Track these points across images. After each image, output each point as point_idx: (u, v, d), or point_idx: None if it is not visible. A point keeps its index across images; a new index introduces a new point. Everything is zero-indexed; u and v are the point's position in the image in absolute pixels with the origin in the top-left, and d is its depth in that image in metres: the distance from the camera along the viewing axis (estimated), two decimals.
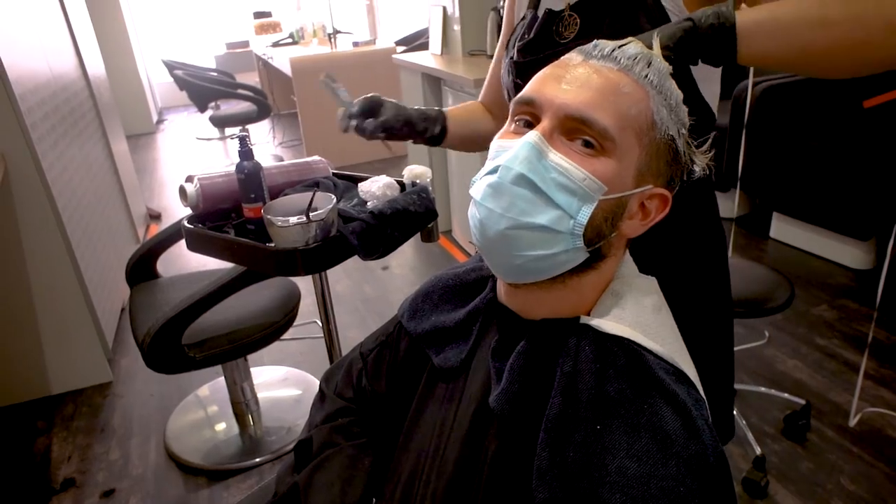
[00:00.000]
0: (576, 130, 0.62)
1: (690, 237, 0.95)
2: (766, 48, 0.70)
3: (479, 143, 1.17)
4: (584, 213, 0.61)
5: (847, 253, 2.81)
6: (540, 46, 0.92)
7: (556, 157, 0.61)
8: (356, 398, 0.89)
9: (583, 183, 0.60)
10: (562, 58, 0.68)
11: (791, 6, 0.70)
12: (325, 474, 0.80)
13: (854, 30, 0.67)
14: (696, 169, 0.69)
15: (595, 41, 0.67)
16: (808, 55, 0.70)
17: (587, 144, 0.61)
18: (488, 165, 0.65)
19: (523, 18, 0.99)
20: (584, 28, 0.89)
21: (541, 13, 0.94)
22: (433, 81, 3.21)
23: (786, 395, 1.97)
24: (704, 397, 0.66)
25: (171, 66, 5.65)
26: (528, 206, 0.61)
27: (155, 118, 7.05)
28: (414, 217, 1.38)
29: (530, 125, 0.65)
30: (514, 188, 0.61)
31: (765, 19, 0.70)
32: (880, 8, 0.66)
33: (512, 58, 0.97)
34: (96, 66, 3.47)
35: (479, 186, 0.64)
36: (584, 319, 0.66)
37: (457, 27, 3.22)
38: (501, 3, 3.01)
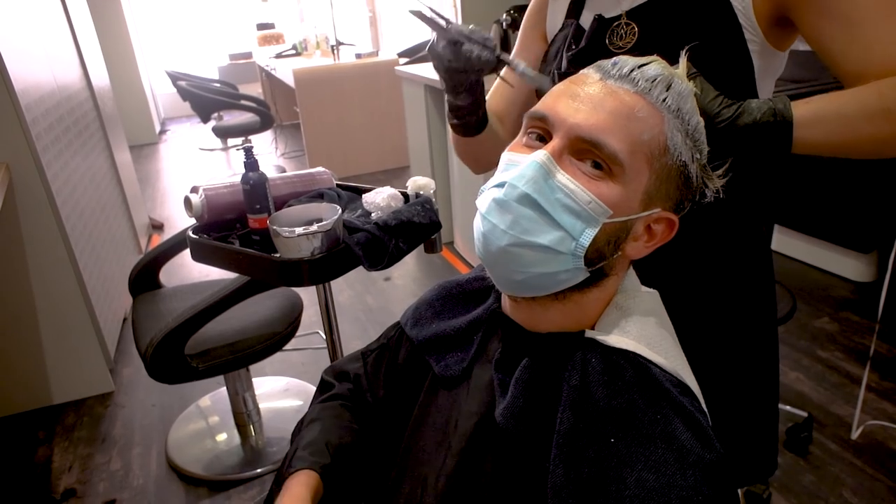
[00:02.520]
0: (586, 152, 0.61)
1: (738, 264, 0.92)
2: (823, 139, 0.70)
3: (489, 158, 1.00)
4: (587, 236, 0.61)
5: (848, 265, 2.81)
6: (592, 57, 0.80)
7: (563, 177, 0.61)
8: (356, 389, 0.91)
9: (588, 206, 0.60)
10: (579, 73, 0.67)
11: (849, 98, 0.70)
12: (314, 425, 0.85)
13: None
14: (708, 193, 0.68)
15: (615, 58, 0.65)
16: (871, 144, 0.70)
17: (596, 165, 0.61)
18: (496, 178, 0.65)
19: (562, 28, 0.93)
20: (643, 37, 0.82)
21: (585, 22, 0.89)
22: (436, 93, 3.23)
23: (788, 407, 1.97)
24: (706, 410, 0.66)
25: (174, 77, 5.68)
26: (531, 225, 0.61)
27: (158, 129, 7.08)
28: (418, 228, 1.39)
29: (543, 139, 0.65)
30: (519, 207, 0.61)
31: (824, 112, 0.70)
32: None
33: (558, 69, 0.91)
34: (100, 77, 3.49)
35: (485, 199, 0.64)
36: (589, 333, 0.67)
37: None
38: (504, 15, 3.03)
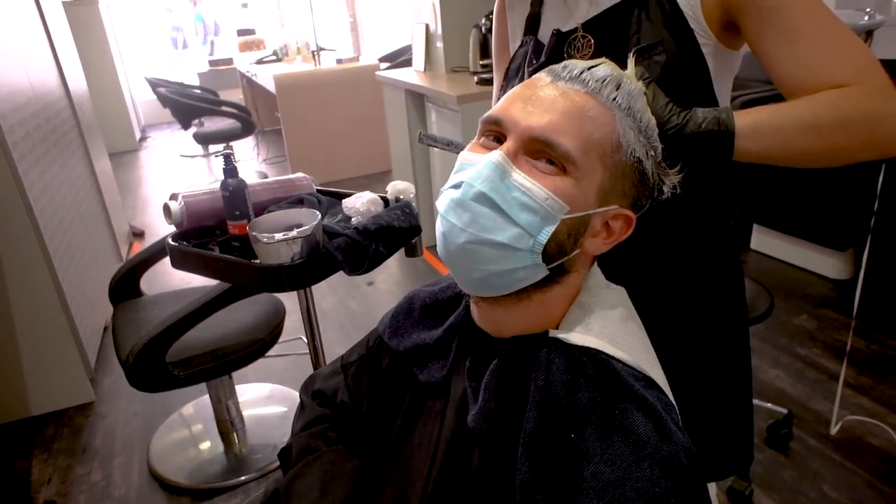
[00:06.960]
0: (539, 151, 0.63)
1: (706, 260, 0.94)
2: (761, 150, 0.72)
3: None
4: (546, 233, 0.62)
5: (826, 263, 2.85)
6: None
7: (519, 176, 0.62)
8: (336, 411, 0.90)
9: (545, 203, 0.61)
10: (531, 77, 0.69)
11: (787, 112, 0.72)
12: (305, 480, 0.81)
13: (842, 135, 0.70)
14: (665, 190, 0.69)
15: (565, 62, 0.67)
16: (803, 156, 0.72)
17: (551, 162, 0.63)
18: (453, 179, 0.66)
19: (522, 45, 0.95)
20: (599, 49, 0.84)
21: (544, 37, 0.91)
22: (416, 98, 3.24)
23: (768, 404, 2.00)
24: (674, 402, 0.67)
25: (154, 84, 5.64)
26: (488, 223, 0.62)
27: (138, 136, 7.01)
28: (398, 232, 1.39)
29: (499, 140, 0.66)
30: (476, 205, 0.62)
31: (762, 124, 0.72)
32: (864, 117, 0.69)
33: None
34: (78, 84, 3.46)
35: (444, 199, 0.66)
36: (552, 333, 0.68)
37: (440, 44, 3.26)
38: (483, 20, 3.05)
